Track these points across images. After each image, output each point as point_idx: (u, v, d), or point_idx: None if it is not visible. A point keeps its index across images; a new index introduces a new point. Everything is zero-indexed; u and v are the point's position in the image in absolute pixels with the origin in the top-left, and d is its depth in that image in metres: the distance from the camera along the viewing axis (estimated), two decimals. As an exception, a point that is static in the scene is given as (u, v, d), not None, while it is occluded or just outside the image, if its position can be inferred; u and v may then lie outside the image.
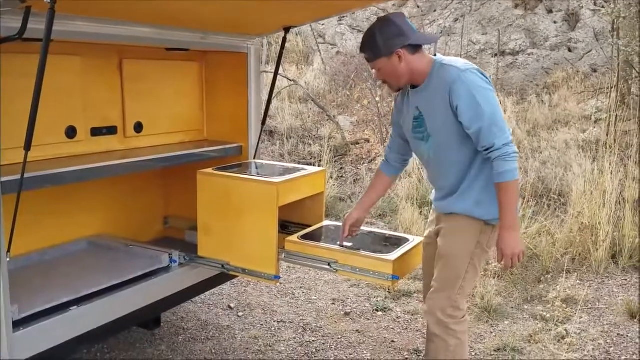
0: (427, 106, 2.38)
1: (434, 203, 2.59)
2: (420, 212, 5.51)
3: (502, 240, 2.31)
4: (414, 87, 2.43)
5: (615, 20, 7.42)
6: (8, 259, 2.03)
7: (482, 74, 2.32)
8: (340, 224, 2.80)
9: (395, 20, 2.33)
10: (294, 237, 2.67)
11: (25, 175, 2.02)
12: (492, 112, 2.23)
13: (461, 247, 2.42)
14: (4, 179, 2.03)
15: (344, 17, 11.74)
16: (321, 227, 2.87)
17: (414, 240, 2.64)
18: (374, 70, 2.43)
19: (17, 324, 2.13)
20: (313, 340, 3.47)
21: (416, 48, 2.35)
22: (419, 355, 3.32)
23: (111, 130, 3.08)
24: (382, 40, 2.31)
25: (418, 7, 11.60)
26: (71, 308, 2.33)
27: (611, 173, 5.12)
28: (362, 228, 2.75)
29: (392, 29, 2.31)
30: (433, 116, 2.37)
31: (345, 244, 2.57)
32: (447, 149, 2.38)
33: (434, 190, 2.62)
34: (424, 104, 2.39)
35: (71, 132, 2.83)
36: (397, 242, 2.65)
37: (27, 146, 1.96)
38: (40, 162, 2.54)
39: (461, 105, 2.24)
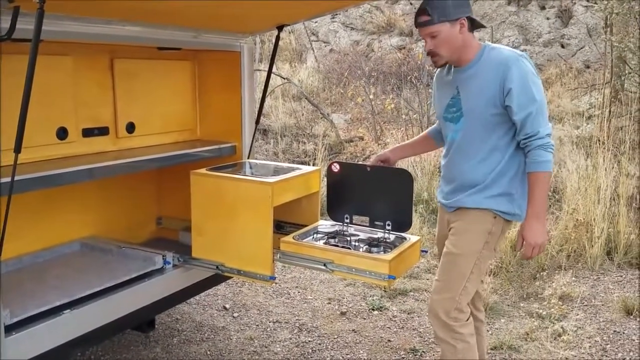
0: (468, 85, 2.34)
1: (443, 201, 2.52)
2: (415, 209, 5.50)
3: (527, 228, 2.28)
4: (456, 66, 2.39)
5: (609, 16, 7.43)
6: (-1, 263, 2.00)
7: (532, 65, 2.32)
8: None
9: None
10: (289, 238, 2.65)
11: (16, 178, 1.99)
12: (541, 100, 2.25)
13: (469, 245, 2.38)
14: (-6, 181, 1.99)
15: (337, 14, 11.73)
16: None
17: (410, 239, 2.63)
18: (425, 39, 2.31)
19: (9, 329, 2.09)
20: (309, 341, 3.46)
21: (473, 26, 2.33)
22: (416, 355, 3.31)
23: (103, 131, 3.05)
24: (452, 3, 2.25)
25: (411, 4, 11.58)
26: (64, 311, 2.30)
27: (605, 169, 5.12)
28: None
29: None
30: (472, 96, 2.32)
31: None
32: (475, 133, 2.34)
33: (440, 188, 2.57)
34: (465, 83, 2.35)
35: (62, 133, 2.79)
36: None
37: (17, 148, 1.93)
38: (31, 164, 2.50)
39: (514, 89, 2.21)
